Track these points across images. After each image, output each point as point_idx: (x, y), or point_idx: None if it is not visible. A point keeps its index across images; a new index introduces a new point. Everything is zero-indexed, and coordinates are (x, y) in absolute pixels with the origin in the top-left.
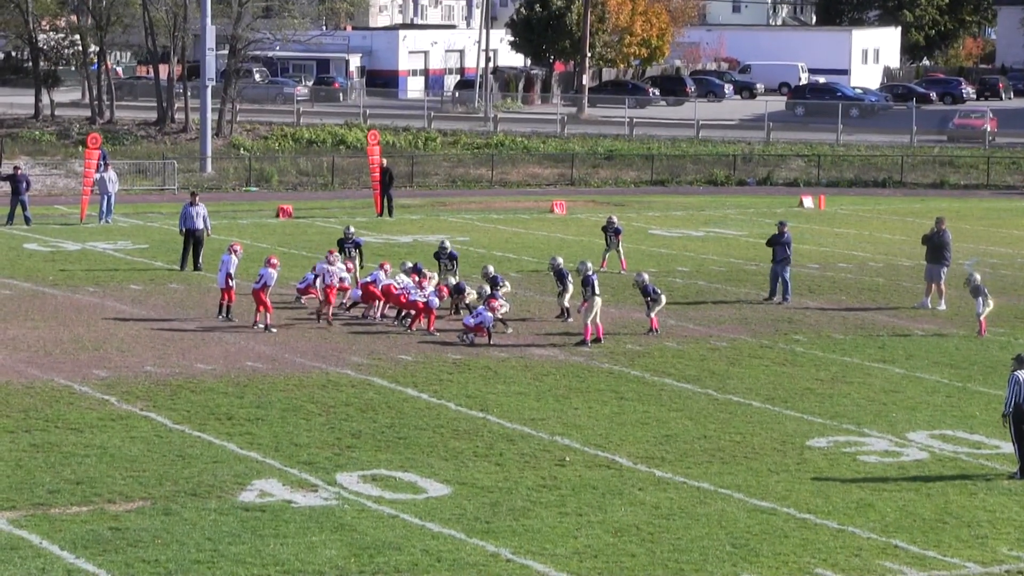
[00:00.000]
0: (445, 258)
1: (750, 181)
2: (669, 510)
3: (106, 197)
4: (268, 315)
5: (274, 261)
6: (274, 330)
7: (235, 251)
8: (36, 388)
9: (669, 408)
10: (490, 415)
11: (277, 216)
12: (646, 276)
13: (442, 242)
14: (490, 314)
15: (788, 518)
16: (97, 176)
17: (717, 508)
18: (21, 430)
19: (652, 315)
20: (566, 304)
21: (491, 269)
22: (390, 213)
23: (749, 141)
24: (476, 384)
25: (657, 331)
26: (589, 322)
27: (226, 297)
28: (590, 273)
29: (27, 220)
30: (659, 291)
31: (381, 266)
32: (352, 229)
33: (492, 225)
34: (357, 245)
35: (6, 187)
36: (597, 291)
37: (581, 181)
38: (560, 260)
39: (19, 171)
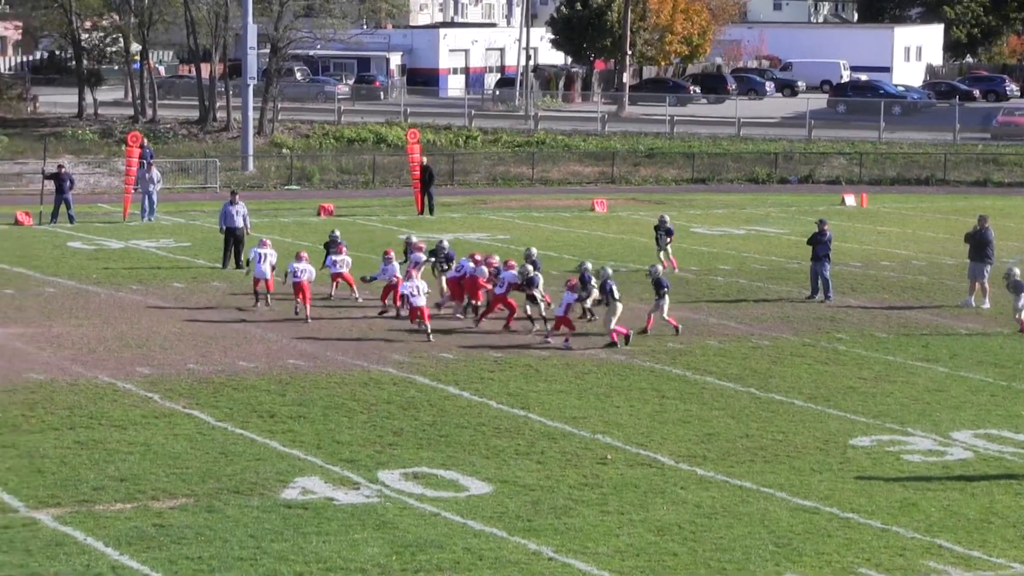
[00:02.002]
0: (442, 258)
1: (792, 179)
2: (711, 509)
3: (147, 195)
4: (307, 306)
5: (303, 255)
6: (310, 321)
7: (266, 244)
8: (80, 385)
9: (711, 406)
10: (531, 413)
11: (318, 214)
12: (659, 268)
13: (440, 241)
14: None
15: (831, 517)
16: (139, 174)
17: (760, 507)
18: (66, 427)
19: (653, 314)
20: (587, 305)
21: (532, 263)
22: (431, 211)
23: (790, 139)
24: (517, 382)
25: (649, 331)
26: (612, 326)
27: (266, 287)
28: (609, 279)
29: (71, 218)
30: (669, 288)
31: (471, 256)
32: (337, 233)
33: (533, 223)
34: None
35: (50, 186)
36: (617, 296)
37: (622, 179)
38: (589, 265)
39: (63, 170)
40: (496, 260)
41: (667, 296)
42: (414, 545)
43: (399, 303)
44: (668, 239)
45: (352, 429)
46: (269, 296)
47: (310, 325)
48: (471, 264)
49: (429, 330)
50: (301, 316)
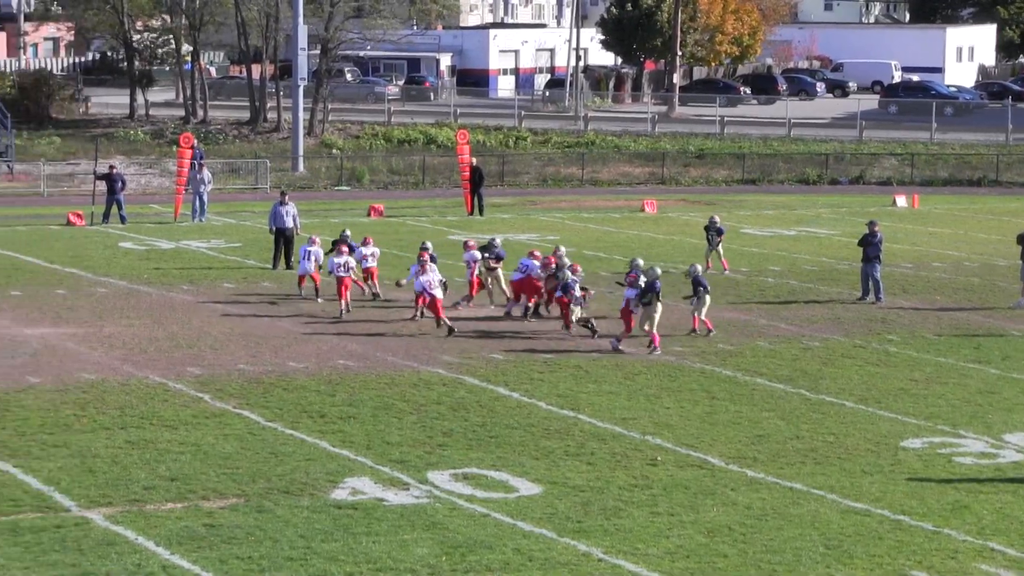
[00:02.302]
0: (491, 256)
1: (842, 180)
2: (762, 511)
3: (198, 196)
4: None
5: (343, 249)
6: (348, 312)
7: (314, 242)
8: (131, 385)
9: (761, 408)
10: (581, 414)
11: (368, 215)
12: (699, 268)
13: (492, 239)
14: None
15: (882, 519)
16: (190, 175)
17: (810, 509)
18: (117, 427)
19: (697, 314)
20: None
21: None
22: (480, 212)
23: (841, 140)
24: (567, 383)
25: (704, 331)
26: (647, 327)
27: (313, 281)
28: (657, 280)
29: (122, 219)
30: (708, 289)
31: (531, 254)
32: (348, 232)
33: (583, 224)
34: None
35: (102, 186)
36: (661, 297)
37: (672, 180)
38: (640, 261)
39: (114, 170)
40: (557, 258)
41: (706, 296)
42: (464, 546)
43: (421, 302)
44: (719, 239)
45: (402, 430)
46: (317, 293)
47: (357, 325)
48: (534, 262)
49: (446, 322)
50: (347, 317)
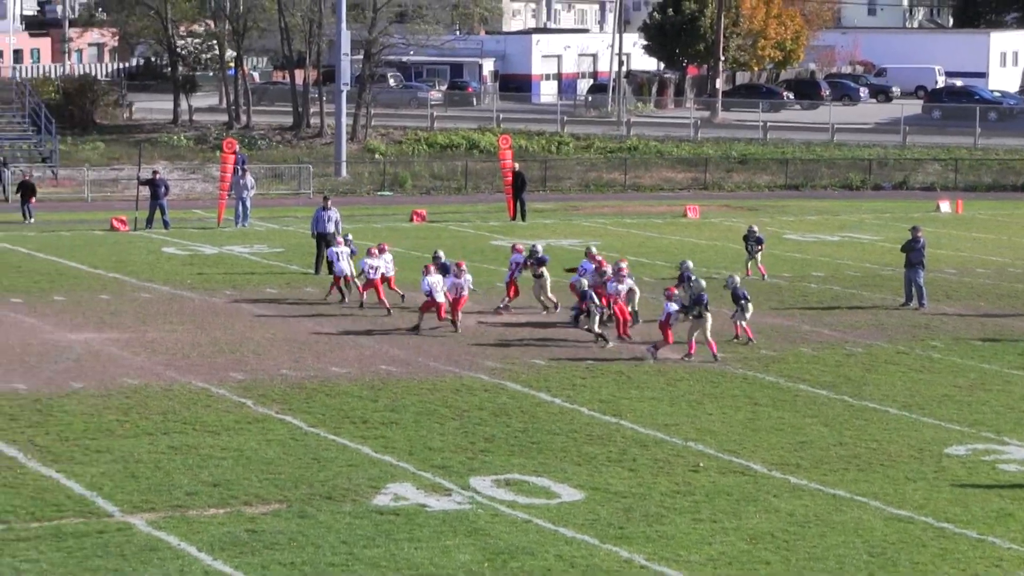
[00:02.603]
0: (533, 261)
1: (886, 185)
2: (804, 517)
3: (241, 201)
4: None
5: (374, 251)
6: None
7: (339, 243)
8: (174, 391)
9: (804, 414)
10: (623, 420)
11: (411, 220)
12: (737, 279)
13: (533, 245)
14: (674, 304)
15: (926, 527)
16: (233, 180)
17: (853, 516)
18: (160, 432)
19: (739, 322)
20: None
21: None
22: (523, 217)
23: (885, 145)
24: (609, 389)
25: (744, 338)
26: (694, 338)
27: (346, 283)
28: (703, 292)
29: (165, 224)
30: (749, 298)
31: (588, 254)
32: (350, 236)
33: (625, 229)
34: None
35: (145, 192)
36: (709, 309)
37: (715, 185)
38: (690, 264)
39: (158, 176)
40: (623, 266)
41: (749, 306)
42: (506, 552)
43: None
44: (759, 248)
45: (444, 435)
46: (351, 289)
47: (399, 330)
48: (592, 265)
49: (454, 324)
50: (387, 323)
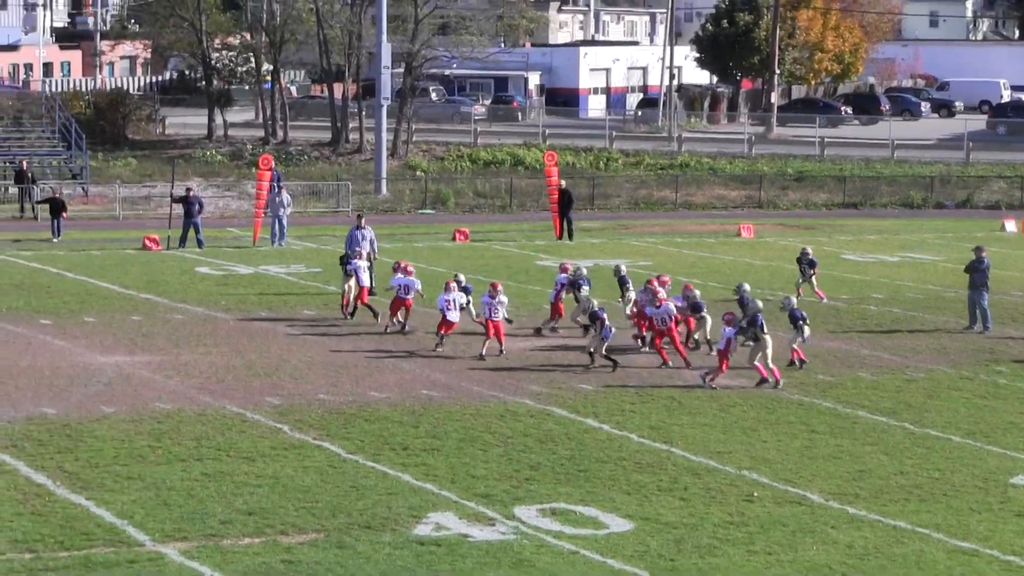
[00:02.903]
0: (576, 283)
1: (948, 204)
2: (864, 550)
3: (277, 220)
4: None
5: (409, 268)
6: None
7: (360, 256)
8: (208, 415)
9: (863, 442)
10: (674, 447)
11: (453, 239)
12: (794, 300)
13: (578, 268)
14: (731, 329)
15: (991, 560)
16: (269, 198)
17: (915, 548)
18: (193, 458)
19: (796, 346)
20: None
21: (697, 293)
22: (570, 237)
23: (947, 162)
24: (660, 415)
25: (795, 363)
26: (757, 362)
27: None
28: (759, 313)
29: (199, 243)
30: (807, 319)
31: (657, 278)
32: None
33: (676, 249)
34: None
35: (179, 209)
36: (766, 330)
37: (769, 203)
38: (747, 287)
39: (191, 193)
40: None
41: (805, 328)
42: None
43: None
44: (812, 271)
45: (487, 463)
46: (352, 313)
47: (441, 354)
48: (658, 286)
49: (439, 345)
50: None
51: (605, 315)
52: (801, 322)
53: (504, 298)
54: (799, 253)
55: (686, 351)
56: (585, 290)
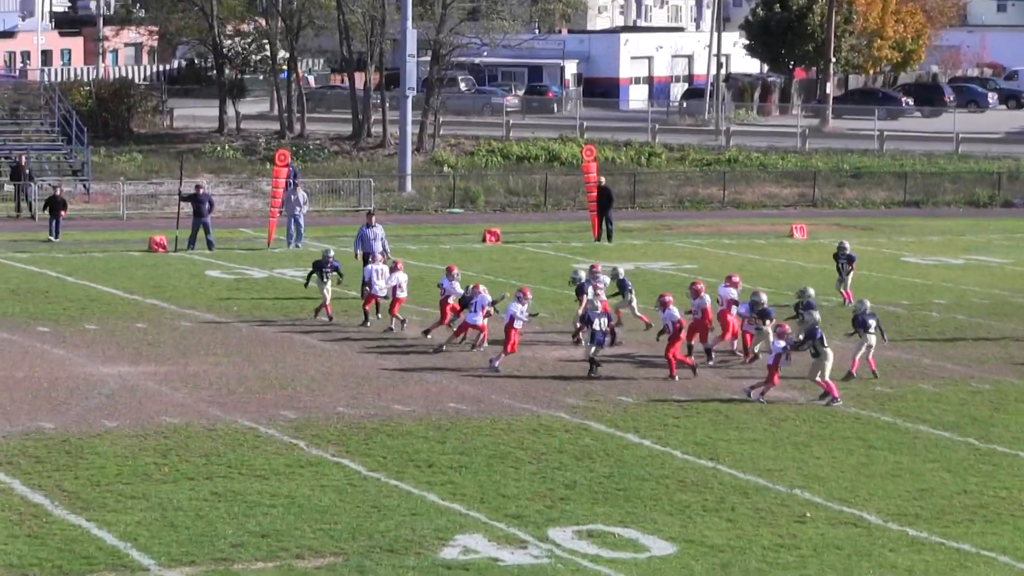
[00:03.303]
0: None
1: (1017, 202)
2: (924, 574)
3: (293, 219)
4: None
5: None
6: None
7: (376, 259)
8: (218, 430)
9: (924, 458)
10: (721, 465)
11: (483, 240)
12: (867, 304)
13: (614, 268)
14: (782, 342)
15: None
16: (285, 196)
17: (979, 573)
18: (202, 477)
19: (860, 357)
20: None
21: (764, 297)
22: (609, 238)
23: (1016, 156)
24: (705, 430)
25: (854, 374)
26: (819, 378)
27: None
28: (817, 325)
29: (210, 244)
30: (872, 326)
31: (729, 280)
32: (332, 252)
33: (723, 251)
34: (335, 269)
35: (187, 208)
36: (826, 343)
37: (824, 202)
38: (811, 291)
39: (201, 190)
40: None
41: (869, 336)
42: None
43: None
44: (849, 268)
45: (519, 481)
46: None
47: (470, 363)
48: (731, 290)
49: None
50: (454, 354)
51: (603, 320)
52: (863, 329)
53: (521, 306)
54: (836, 248)
55: (693, 360)
56: (591, 293)
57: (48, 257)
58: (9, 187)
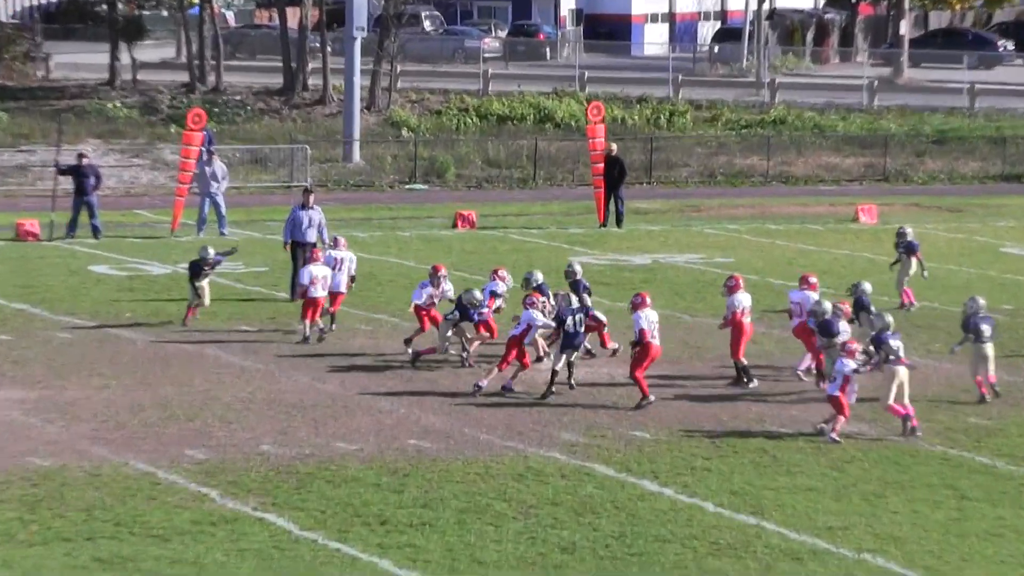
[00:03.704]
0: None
1: None
2: None
3: (208, 198)
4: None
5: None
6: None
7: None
8: (103, 476)
9: None
10: (766, 521)
11: (454, 226)
12: (981, 301)
13: (571, 264)
14: (851, 363)
15: None
16: (198, 169)
17: None
18: (81, 537)
19: (981, 374)
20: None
21: (827, 306)
22: (618, 223)
23: None
24: (745, 474)
25: (986, 396)
26: (892, 401)
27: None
28: (885, 331)
29: (95, 230)
30: (984, 334)
31: (804, 279)
32: (211, 251)
33: (768, 239)
34: (215, 265)
35: (67, 183)
36: (902, 355)
37: (898, 176)
38: (867, 286)
39: (85, 160)
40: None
41: (982, 346)
42: None
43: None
44: (910, 259)
45: (501, 543)
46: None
47: (437, 388)
48: (810, 293)
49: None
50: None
51: (578, 318)
52: (979, 338)
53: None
54: (896, 234)
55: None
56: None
57: None
58: None
